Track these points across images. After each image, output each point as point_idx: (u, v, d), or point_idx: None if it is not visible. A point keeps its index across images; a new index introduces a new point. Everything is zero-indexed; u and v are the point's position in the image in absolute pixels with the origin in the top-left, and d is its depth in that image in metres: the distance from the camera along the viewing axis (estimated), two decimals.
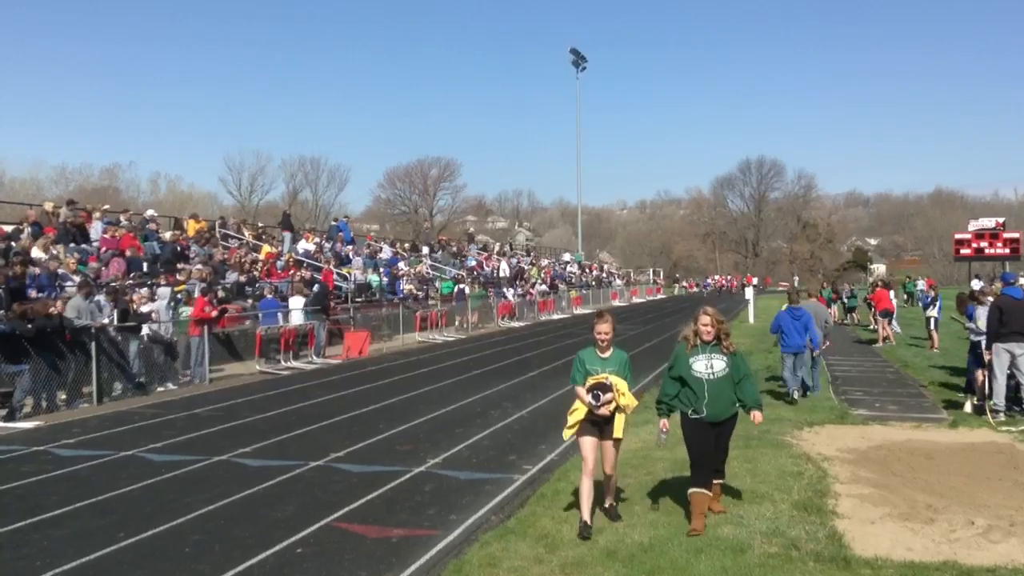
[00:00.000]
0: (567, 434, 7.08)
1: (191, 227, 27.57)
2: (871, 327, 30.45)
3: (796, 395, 13.73)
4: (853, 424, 11.65)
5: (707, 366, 6.69)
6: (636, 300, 64.71)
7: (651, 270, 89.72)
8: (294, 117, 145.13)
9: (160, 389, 16.76)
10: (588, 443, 6.86)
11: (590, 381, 6.72)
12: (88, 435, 11.92)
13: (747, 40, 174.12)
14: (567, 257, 66.01)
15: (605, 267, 75.52)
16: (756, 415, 6.97)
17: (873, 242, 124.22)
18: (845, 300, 36.01)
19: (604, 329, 6.76)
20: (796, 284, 62.35)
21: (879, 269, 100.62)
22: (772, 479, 8.32)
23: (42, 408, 14.11)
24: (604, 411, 6.69)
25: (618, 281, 69.24)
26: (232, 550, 6.64)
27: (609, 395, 6.65)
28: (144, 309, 17.18)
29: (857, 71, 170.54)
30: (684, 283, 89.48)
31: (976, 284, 33.77)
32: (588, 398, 6.67)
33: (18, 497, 8.45)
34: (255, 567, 6.27)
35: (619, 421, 6.82)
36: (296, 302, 22.62)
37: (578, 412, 6.84)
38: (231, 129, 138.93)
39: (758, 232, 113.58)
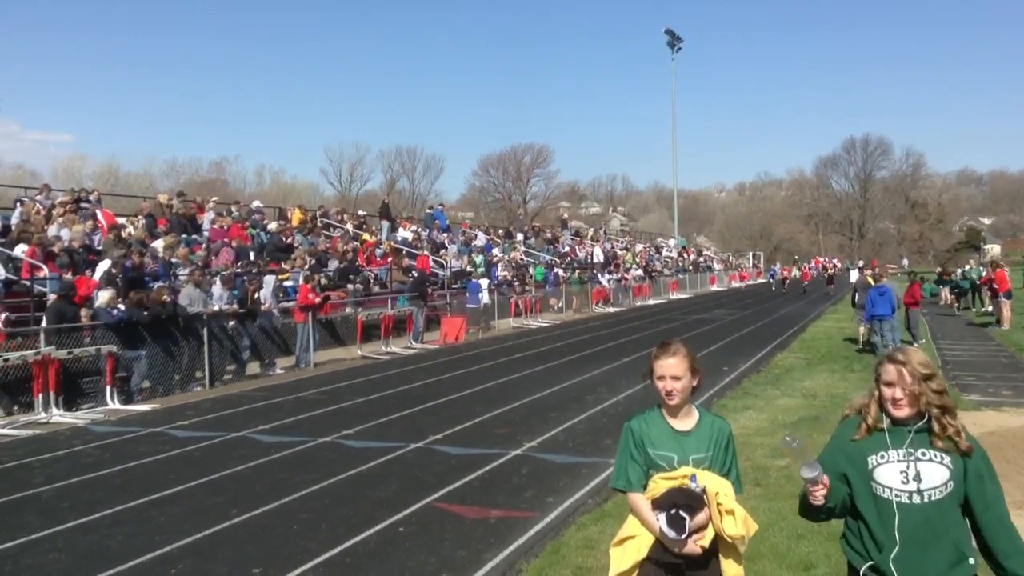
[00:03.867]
0: None
1: (296, 217, 28.52)
2: (983, 310, 29.08)
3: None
4: (965, 410, 11.16)
5: (906, 475, 3.03)
6: (735, 285, 63.45)
7: (751, 253, 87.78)
8: (391, 108, 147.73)
9: (268, 373, 17.43)
10: None
11: (658, 484, 3.37)
12: (201, 417, 12.52)
13: (849, 15, 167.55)
14: (672, 243, 65.14)
15: (703, 251, 74.25)
16: None
17: (987, 221, 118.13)
18: (957, 282, 34.42)
19: (673, 370, 3.33)
20: (906, 266, 61.78)
21: (993, 249, 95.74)
22: None
23: (158, 392, 14.88)
24: (692, 548, 3.31)
25: (717, 265, 68.01)
26: (337, 528, 6.88)
27: (701, 517, 3.31)
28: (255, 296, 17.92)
29: (968, 43, 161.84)
30: (776, 267, 66.11)
31: None
32: (660, 525, 3.30)
33: (137, 476, 8.95)
34: (359, 544, 6.49)
35: (729, 570, 3.41)
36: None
37: (634, 545, 3.44)
38: (331, 121, 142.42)
39: (864, 213, 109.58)
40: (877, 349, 16.88)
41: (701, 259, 65.82)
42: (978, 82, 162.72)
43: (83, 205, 21.32)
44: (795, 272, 60.27)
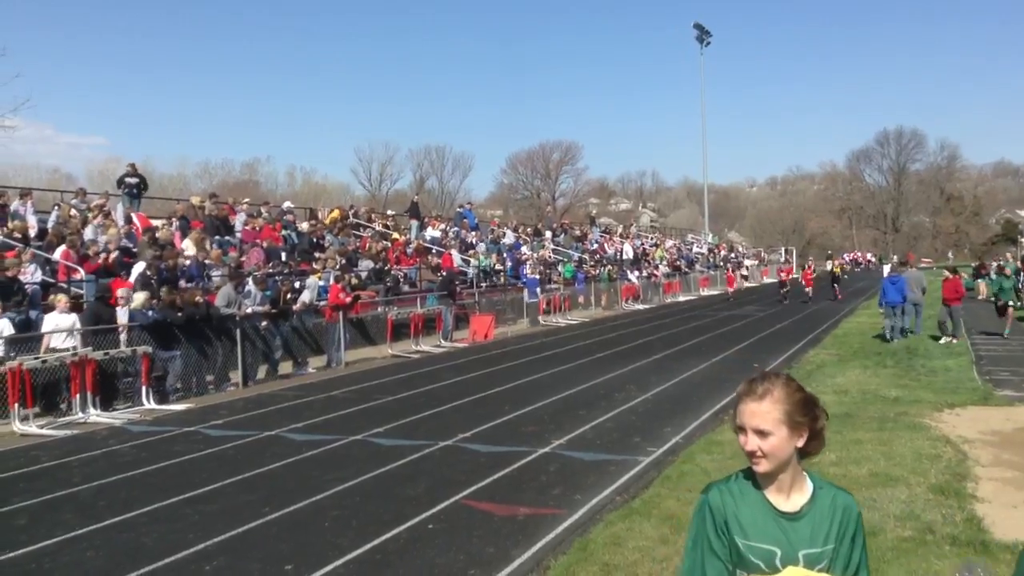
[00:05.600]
0: None
1: (332, 215, 29.02)
2: (1019, 304, 28.59)
3: (894, 338, 18.98)
4: (997, 405, 11.04)
5: None
6: (767, 280, 62.89)
7: (783, 248, 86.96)
8: (420, 107, 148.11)
9: (300, 373, 17.63)
10: None
11: None
12: (234, 416, 12.70)
13: (881, 5, 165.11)
14: (710, 239, 64.57)
15: (735, 247, 73.71)
16: None
17: None
18: (993, 276, 33.84)
19: (759, 420, 2.29)
20: (951, 260, 59.33)
21: None
22: (908, 462, 8.01)
23: (192, 391, 15.11)
24: None
25: (748, 261, 67.45)
26: (368, 525, 6.97)
27: None
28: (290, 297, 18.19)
29: (1003, 32, 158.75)
30: (808, 263, 54.20)
31: None
32: None
33: (172, 475, 9.11)
34: (389, 541, 6.57)
35: None
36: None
37: None
38: (361, 122, 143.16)
39: (898, 207, 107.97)
40: (887, 335, 19.46)
41: (733, 255, 65.32)
42: (1014, 72, 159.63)
43: (127, 180, 21.90)
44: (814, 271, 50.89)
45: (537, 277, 30.21)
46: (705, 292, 46.61)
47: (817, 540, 2.28)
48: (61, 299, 13.74)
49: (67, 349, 13.17)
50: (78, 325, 13.74)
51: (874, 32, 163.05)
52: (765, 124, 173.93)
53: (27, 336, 13.25)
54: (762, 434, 2.26)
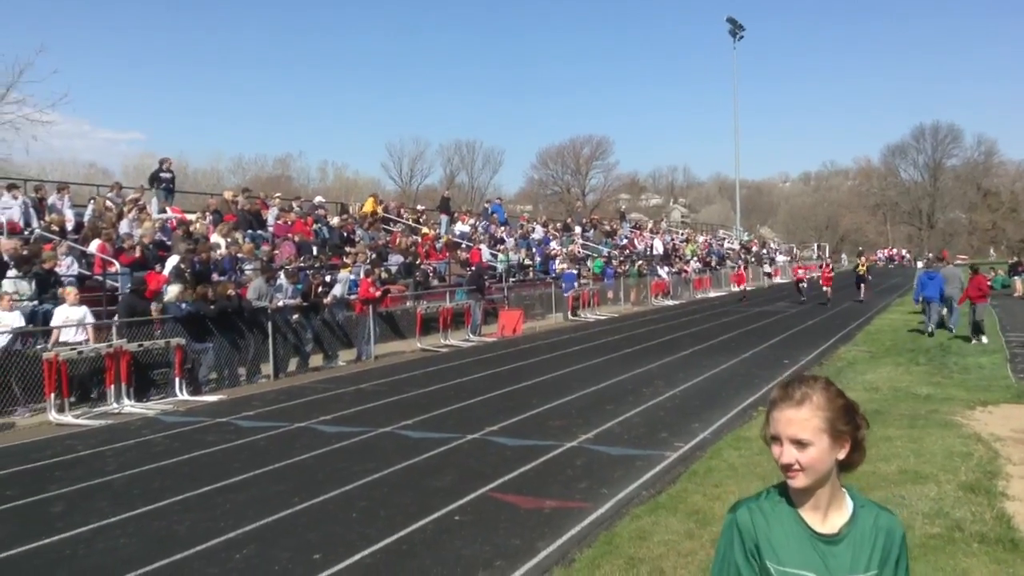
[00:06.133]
0: None
1: (369, 205, 29.49)
2: None
3: (932, 329, 19.96)
4: None
5: None
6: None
7: (815, 245, 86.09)
8: (450, 103, 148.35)
9: (330, 365, 17.80)
10: None
11: None
12: (265, 408, 12.86)
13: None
14: (745, 236, 64.05)
15: (767, 243, 73.06)
16: None
17: None
18: None
19: (796, 428, 2.08)
20: (992, 257, 57.99)
21: None
22: (938, 459, 7.93)
23: (224, 383, 15.32)
24: None
25: (781, 257, 66.82)
26: (395, 516, 7.04)
27: None
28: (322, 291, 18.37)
29: None
30: (825, 260, 54.53)
31: None
32: None
33: (204, 465, 9.26)
34: (416, 532, 6.63)
35: None
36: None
37: None
38: (392, 117, 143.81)
39: (933, 203, 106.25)
40: (926, 328, 20.27)
41: (765, 251, 64.76)
42: None
43: (162, 175, 22.15)
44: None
45: (575, 272, 30.67)
46: (736, 288, 46.27)
47: (858, 566, 2.06)
48: (71, 292, 13.79)
49: (78, 343, 13.22)
50: (89, 319, 13.77)
51: (910, 25, 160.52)
52: (798, 119, 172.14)
53: (42, 329, 13.47)
54: (800, 444, 2.04)
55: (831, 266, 36.69)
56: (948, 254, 26.59)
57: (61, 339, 13.32)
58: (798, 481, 2.06)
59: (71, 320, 13.53)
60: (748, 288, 42.01)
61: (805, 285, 35.46)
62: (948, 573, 5.24)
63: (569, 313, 28.46)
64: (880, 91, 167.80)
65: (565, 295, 28.58)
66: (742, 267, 44.09)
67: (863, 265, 35.77)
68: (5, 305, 12.98)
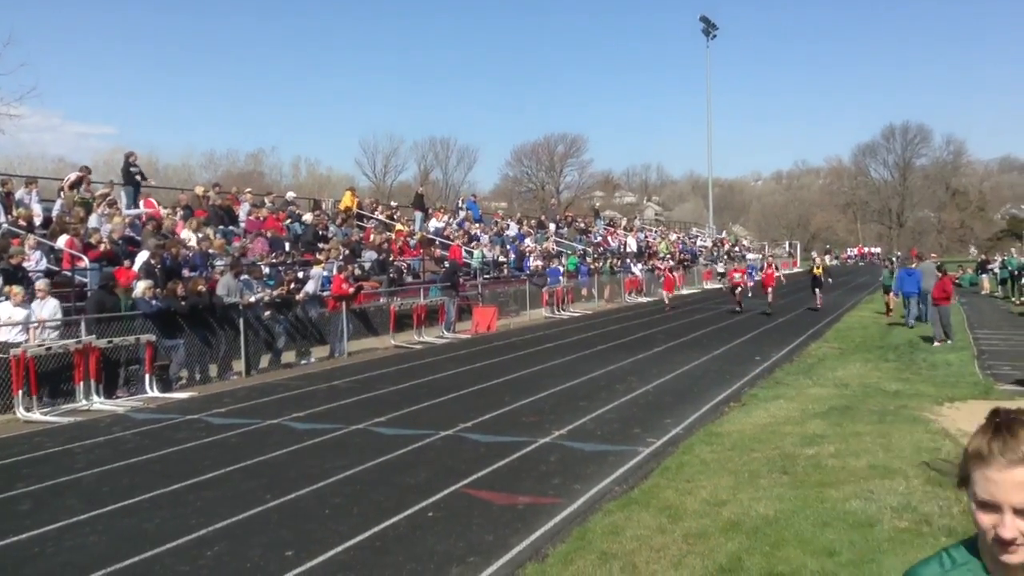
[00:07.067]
0: None
1: (347, 199, 29.78)
2: (1022, 300, 28.62)
3: (912, 323, 20.98)
4: (998, 399, 11.06)
5: None
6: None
7: (787, 243, 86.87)
8: (425, 99, 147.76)
9: (303, 362, 17.69)
10: None
11: None
12: (237, 405, 12.76)
13: None
14: (721, 234, 64.34)
15: (739, 240, 73.66)
16: None
17: None
18: (996, 272, 33.85)
19: None
20: (973, 255, 58.24)
21: None
22: (906, 454, 8.05)
23: (196, 380, 15.18)
24: None
25: (751, 255, 67.38)
26: (369, 512, 7.02)
27: None
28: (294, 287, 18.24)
29: (1010, 28, 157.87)
30: (766, 257, 48.42)
31: None
32: None
33: (175, 462, 9.18)
34: (389, 528, 6.62)
35: None
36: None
37: None
38: (366, 113, 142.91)
39: (903, 201, 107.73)
40: (907, 322, 21.31)
41: (736, 248, 65.30)
42: (1021, 67, 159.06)
43: (131, 168, 21.79)
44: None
45: (560, 268, 31.49)
46: (709, 285, 46.62)
47: None
48: (16, 291, 13.13)
49: (18, 343, 12.47)
50: (34, 318, 13.12)
51: (881, 26, 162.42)
52: (771, 118, 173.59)
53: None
54: None
55: (773, 264, 31.14)
56: (916, 252, 26.77)
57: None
58: (1018, 557, 1.56)
59: (13, 320, 12.89)
60: (681, 293, 37.07)
61: (741, 290, 28.96)
62: None
63: (557, 307, 28.88)
64: (851, 91, 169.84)
65: (549, 289, 29.10)
66: (667, 269, 36.62)
67: (819, 266, 30.21)
68: None
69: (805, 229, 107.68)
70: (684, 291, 41.77)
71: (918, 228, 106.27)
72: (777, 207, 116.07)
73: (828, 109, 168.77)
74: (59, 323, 13.51)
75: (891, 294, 24.50)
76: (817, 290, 28.73)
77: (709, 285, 46.77)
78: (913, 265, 22.75)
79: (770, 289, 27.87)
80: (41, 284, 13.66)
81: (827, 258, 45.77)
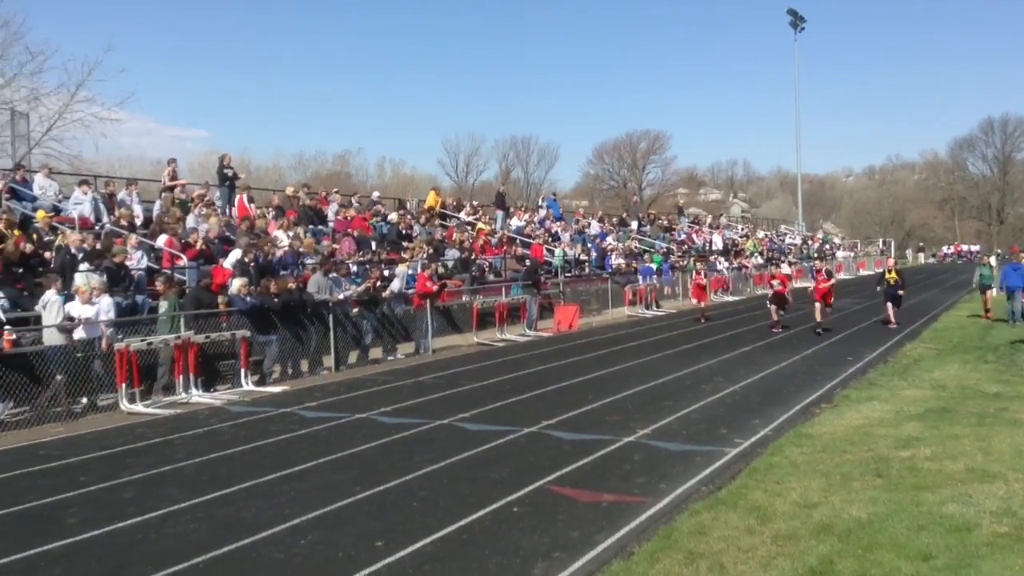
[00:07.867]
0: None
1: (431, 199, 30.32)
2: None
3: (1017, 321, 20.58)
4: None
5: None
6: (863, 272, 60.93)
7: (881, 240, 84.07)
8: (506, 99, 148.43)
9: (390, 358, 18.03)
10: None
11: None
12: (327, 399, 13.11)
13: None
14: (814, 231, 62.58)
15: (830, 238, 71.60)
16: None
17: None
18: None
19: None
20: None
21: None
22: (1007, 458, 7.73)
23: (288, 374, 15.65)
24: None
25: (843, 252, 65.45)
26: (455, 506, 7.12)
27: None
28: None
29: None
30: (812, 262, 37.26)
31: None
32: None
33: (268, 454, 9.48)
34: (475, 522, 6.70)
35: None
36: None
37: None
38: (449, 113, 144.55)
39: (1003, 197, 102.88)
40: (1012, 317, 21.01)
41: (827, 246, 63.49)
42: None
43: (225, 170, 22.46)
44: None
45: (652, 267, 31.67)
46: (798, 284, 45.47)
47: None
48: (82, 289, 13.22)
49: (94, 338, 12.80)
50: (102, 316, 13.23)
51: (979, 15, 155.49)
52: (861, 112, 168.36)
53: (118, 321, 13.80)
54: None
55: (824, 271, 22.51)
56: (1017, 249, 25.43)
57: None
58: None
59: (84, 316, 13.01)
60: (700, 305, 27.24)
61: (788, 304, 22.84)
62: (1016, 572, 5.12)
63: (641, 306, 29.07)
64: (947, 83, 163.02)
65: (632, 287, 29.24)
66: (700, 274, 27.77)
67: (891, 269, 22.96)
68: (84, 298, 13.27)
69: (900, 226, 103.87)
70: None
71: (1019, 224, 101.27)
72: (870, 203, 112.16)
73: (922, 102, 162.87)
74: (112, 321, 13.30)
75: (987, 292, 23.50)
76: (890, 304, 21.95)
77: (799, 284, 45.64)
78: (1021, 260, 21.91)
79: (818, 305, 21.01)
80: (95, 282, 13.56)
81: (921, 256, 39.34)
